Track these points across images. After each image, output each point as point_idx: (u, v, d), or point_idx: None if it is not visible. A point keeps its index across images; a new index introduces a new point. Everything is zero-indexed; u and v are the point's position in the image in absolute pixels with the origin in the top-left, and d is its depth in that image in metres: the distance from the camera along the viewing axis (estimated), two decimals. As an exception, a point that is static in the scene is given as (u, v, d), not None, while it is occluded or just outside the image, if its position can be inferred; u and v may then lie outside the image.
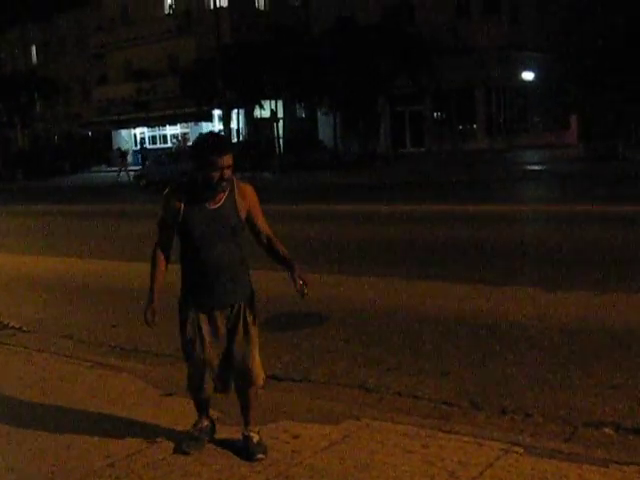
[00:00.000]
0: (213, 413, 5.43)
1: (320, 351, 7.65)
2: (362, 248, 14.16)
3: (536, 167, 32.39)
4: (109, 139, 62.41)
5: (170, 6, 57.09)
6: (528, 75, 45.30)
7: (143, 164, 48.12)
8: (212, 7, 43.91)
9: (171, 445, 5.21)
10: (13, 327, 9.43)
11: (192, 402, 5.51)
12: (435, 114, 46.56)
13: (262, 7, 54.92)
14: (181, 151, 42.06)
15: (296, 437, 5.21)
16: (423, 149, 45.11)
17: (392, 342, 7.79)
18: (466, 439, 5.00)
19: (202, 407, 5.25)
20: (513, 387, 6.28)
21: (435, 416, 5.68)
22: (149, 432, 5.48)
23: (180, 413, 5.82)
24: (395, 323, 8.52)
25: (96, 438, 5.45)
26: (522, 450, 4.79)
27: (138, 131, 60.41)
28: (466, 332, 7.95)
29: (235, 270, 4.99)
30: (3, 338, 8.82)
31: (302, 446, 5.06)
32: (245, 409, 5.11)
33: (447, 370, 6.80)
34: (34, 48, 71.36)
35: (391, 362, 7.12)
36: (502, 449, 4.81)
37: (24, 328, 9.42)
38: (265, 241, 5.24)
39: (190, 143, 48.06)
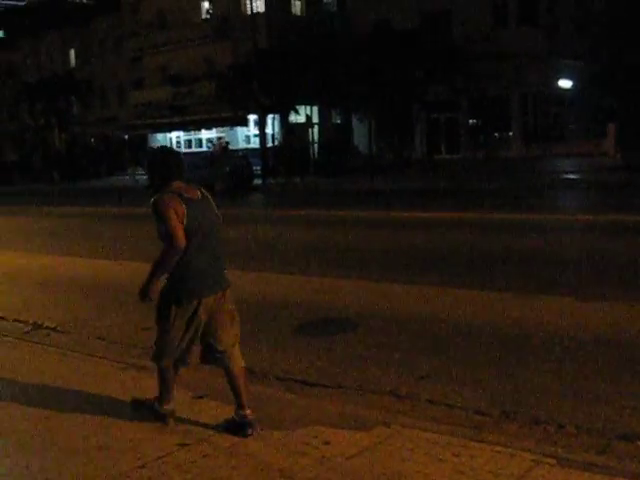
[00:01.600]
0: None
1: (352, 357, 7.64)
2: (394, 255, 14.11)
3: (572, 176, 32.10)
4: (145, 142, 62.86)
5: (207, 11, 57.39)
6: (565, 83, 44.96)
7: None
8: (249, 12, 44.13)
9: (202, 448, 5.23)
10: (48, 327, 9.53)
11: (223, 405, 5.55)
12: (470, 121, 46.35)
13: (298, 12, 55.02)
14: (217, 155, 42.19)
15: (327, 443, 5.20)
16: (458, 156, 44.91)
17: (424, 349, 7.76)
18: (498, 449, 4.97)
19: (170, 386, 5.75)
20: (546, 398, 6.21)
21: (467, 425, 5.64)
22: (180, 434, 5.51)
23: (211, 416, 5.85)
24: (427, 330, 8.49)
25: (128, 439, 5.49)
26: (554, 462, 4.75)
27: (174, 135, 60.76)
28: (499, 341, 7.90)
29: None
30: (38, 338, 8.92)
31: (333, 452, 5.05)
32: (241, 391, 5.63)
33: (479, 379, 6.75)
34: (72, 51, 72.11)
35: (423, 369, 7.09)
36: (534, 460, 4.77)
37: (59, 328, 9.51)
38: None
39: (229, 147, 48.32)
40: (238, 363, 5.70)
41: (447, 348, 7.76)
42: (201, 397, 6.31)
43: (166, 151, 5.99)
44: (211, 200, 5.68)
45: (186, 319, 5.43)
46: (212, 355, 5.63)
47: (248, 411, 5.55)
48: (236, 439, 5.36)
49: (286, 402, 6.19)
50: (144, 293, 5.47)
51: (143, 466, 4.99)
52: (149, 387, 6.65)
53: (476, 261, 12.92)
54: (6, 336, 8.97)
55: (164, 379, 5.73)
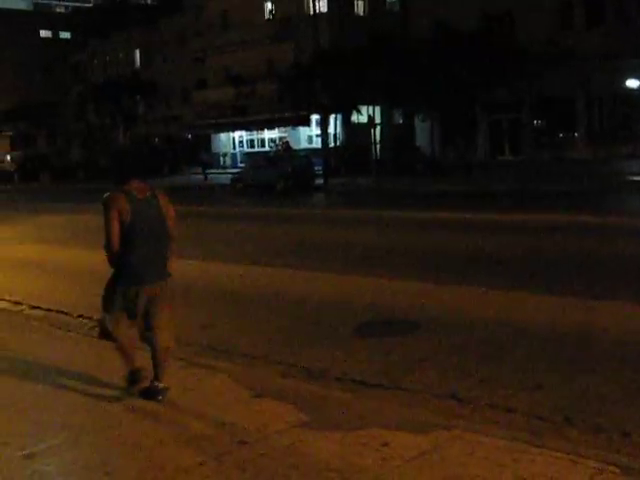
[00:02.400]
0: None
1: (412, 359, 7.59)
2: (457, 257, 14.00)
3: (638, 178, 31.44)
4: (208, 142, 63.47)
5: (270, 12, 57.73)
6: (633, 83, 44.07)
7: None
8: (311, 13, 44.22)
9: (261, 447, 5.25)
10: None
11: (281, 405, 5.57)
12: (535, 122, 45.73)
13: (361, 12, 54.98)
14: (279, 155, 42.35)
15: (385, 445, 5.18)
16: (522, 157, 44.34)
17: (486, 353, 7.68)
18: (559, 455, 4.88)
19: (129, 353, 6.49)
20: (609, 404, 6.10)
21: (527, 430, 5.55)
22: (239, 433, 5.53)
23: (270, 415, 5.87)
24: (489, 334, 8.39)
25: (187, 436, 5.54)
26: (618, 470, 4.64)
27: (237, 135, 61.25)
28: (561, 346, 7.78)
29: None
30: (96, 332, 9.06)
31: (391, 454, 5.02)
32: (159, 366, 6.38)
33: (541, 383, 6.65)
34: (138, 52, 73.19)
35: (484, 373, 7.01)
36: (596, 468, 4.67)
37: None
38: None
39: (291, 146, 48.44)
40: (163, 343, 6.36)
41: (509, 352, 7.66)
42: (259, 396, 6.33)
43: (122, 153, 6.84)
44: (160, 199, 6.34)
45: (127, 301, 6.21)
46: (143, 333, 6.38)
47: (161, 384, 6.36)
48: (294, 439, 5.36)
49: (344, 403, 6.18)
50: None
51: (202, 463, 5.03)
52: (208, 384, 6.73)
53: (538, 265, 12.76)
54: (70, 332, 9.14)
55: (121, 350, 6.51)
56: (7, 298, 11.89)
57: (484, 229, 17.99)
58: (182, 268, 14.03)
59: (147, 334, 6.36)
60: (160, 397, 6.34)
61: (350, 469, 4.81)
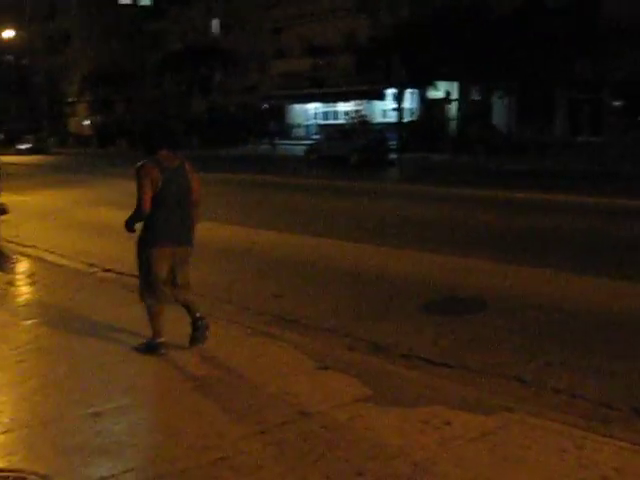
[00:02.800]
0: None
1: (478, 339, 7.54)
2: (527, 237, 13.81)
3: None
4: (283, 112, 63.59)
5: (349, -17, 57.32)
6: None
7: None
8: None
9: (321, 419, 5.28)
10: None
11: (345, 378, 5.61)
12: (616, 103, 44.54)
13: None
14: (354, 128, 42.21)
15: (447, 424, 5.16)
16: (602, 138, 43.30)
17: (553, 335, 7.58)
18: (624, 445, 4.79)
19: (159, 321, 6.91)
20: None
21: (592, 417, 5.47)
22: (302, 403, 5.58)
23: (333, 387, 5.90)
24: (558, 316, 8.27)
25: (249, 404, 5.61)
26: (686, 464, 4.55)
27: (312, 106, 61.21)
28: (635, 333, 7.61)
29: None
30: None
31: (452, 433, 5.01)
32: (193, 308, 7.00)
33: (610, 371, 6.54)
34: (216, 21, 73.40)
35: (552, 357, 6.93)
36: (663, 461, 4.59)
37: (194, 292, 9.77)
38: None
39: (367, 120, 48.22)
40: (188, 294, 7.01)
41: (577, 336, 7.55)
42: (325, 368, 6.36)
43: (152, 125, 7.38)
44: (187, 169, 6.80)
45: (159, 263, 6.68)
46: (174, 292, 6.88)
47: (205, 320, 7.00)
48: (357, 412, 5.38)
49: (408, 379, 6.18)
50: (128, 226, 6.76)
51: (263, 431, 5.08)
52: (274, 353, 6.80)
53: (613, 249, 12.49)
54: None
55: (152, 315, 6.87)
56: (82, 260, 12.18)
57: (559, 210, 17.70)
58: (257, 238, 14.30)
59: (177, 292, 6.88)
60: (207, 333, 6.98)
61: (410, 446, 4.82)
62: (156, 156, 6.61)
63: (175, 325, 7.16)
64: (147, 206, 6.51)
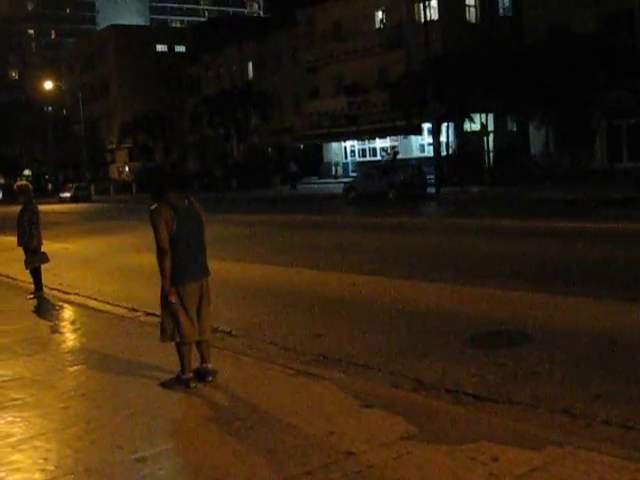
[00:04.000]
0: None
1: (524, 372, 7.41)
2: (571, 267, 13.61)
3: None
4: (320, 152, 63.92)
5: (381, 20, 57.74)
6: None
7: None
8: (422, 20, 43.96)
9: (368, 458, 5.20)
10: (223, 331, 9.83)
11: (390, 416, 5.52)
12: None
13: (472, 19, 54.36)
14: (391, 164, 42.28)
15: (495, 460, 5.05)
16: (643, 164, 42.77)
17: (602, 367, 7.42)
18: (679, 478, 4.65)
19: (187, 358, 7.19)
20: None
21: (646, 449, 5.32)
22: (347, 443, 5.50)
23: (378, 426, 5.82)
24: (607, 347, 8.10)
25: (294, 445, 5.55)
26: None
27: (348, 144, 61.50)
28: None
29: None
30: (213, 341, 9.20)
31: (501, 470, 4.90)
32: (207, 349, 7.33)
33: (661, 400, 6.38)
34: (250, 64, 74.40)
35: (601, 388, 6.77)
36: None
37: (233, 332, 9.80)
38: None
39: (398, 156, 48.31)
40: (208, 332, 7.31)
41: (627, 366, 7.38)
42: (369, 406, 6.29)
43: (157, 170, 8.08)
44: (196, 206, 7.20)
45: (189, 300, 7.00)
46: (199, 327, 7.13)
47: (210, 365, 7.28)
48: (403, 451, 5.30)
49: (455, 415, 6.08)
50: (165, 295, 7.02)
51: (309, 472, 5.02)
52: (317, 393, 6.74)
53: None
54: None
55: (181, 353, 7.13)
56: (124, 305, 12.25)
57: (603, 239, 17.46)
58: (296, 276, 14.30)
59: (202, 327, 7.15)
60: (211, 378, 7.20)
61: (458, 484, 4.72)
62: (166, 198, 6.95)
63: (218, 367, 7.14)
64: (165, 242, 6.86)
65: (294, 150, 66.70)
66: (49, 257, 13.65)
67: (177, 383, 7.14)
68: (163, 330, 7.13)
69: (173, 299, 6.94)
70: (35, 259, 13.32)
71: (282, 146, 67.73)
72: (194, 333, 7.10)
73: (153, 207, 6.96)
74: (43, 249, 13.54)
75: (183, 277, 6.98)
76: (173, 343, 7.19)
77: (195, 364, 7.29)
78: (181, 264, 6.94)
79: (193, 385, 7.09)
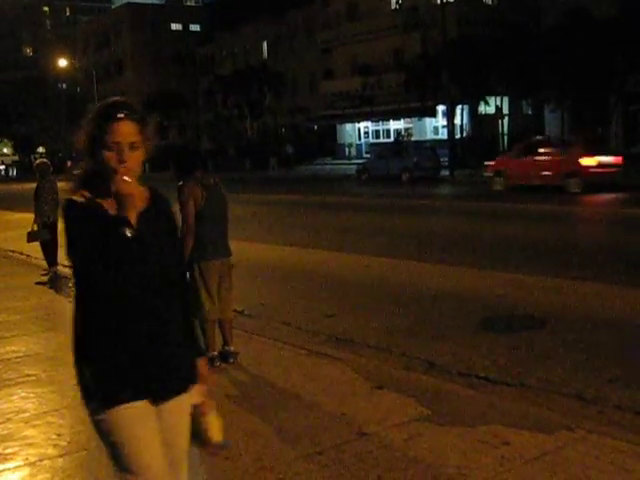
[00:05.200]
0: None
1: (537, 356, 7.40)
2: (588, 252, 13.56)
3: None
4: (334, 132, 63.78)
5: (397, 1, 57.42)
6: None
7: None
8: (439, 1, 43.67)
9: (380, 439, 5.22)
10: (236, 310, 9.82)
11: (401, 397, 5.54)
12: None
13: (489, 1, 53.98)
14: (404, 146, 42.18)
15: (506, 443, 5.06)
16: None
17: (615, 352, 7.40)
18: (692, 464, 4.64)
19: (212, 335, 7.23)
20: None
21: (658, 435, 5.31)
22: (358, 424, 5.52)
23: (389, 407, 5.84)
24: (620, 333, 8.09)
25: (307, 424, 5.57)
26: None
27: (362, 125, 61.35)
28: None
29: None
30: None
31: (512, 453, 4.91)
32: (229, 332, 7.39)
33: (674, 386, 6.36)
34: (265, 44, 74.14)
35: (612, 373, 6.75)
36: None
37: (246, 312, 9.81)
38: None
39: (413, 138, 48.16)
40: (229, 312, 7.38)
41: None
42: (381, 388, 6.30)
43: (186, 149, 8.27)
44: (221, 186, 7.26)
45: (212, 276, 7.06)
46: (220, 306, 7.20)
47: (232, 347, 7.32)
48: (414, 432, 5.32)
49: (466, 398, 6.08)
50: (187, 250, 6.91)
51: (320, 452, 5.04)
52: (329, 374, 6.75)
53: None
54: (194, 319, 9.30)
55: (204, 330, 7.02)
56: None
57: (623, 224, 17.39)
58: (308, 257, 14.30)
59: (224, 306, 7.24)
60: (232, 360, 7.25)
61: (469, 466, 4.73)
62: (195, 176, 6.98)
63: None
64: (191, 221, 6.88)
65: (308, 130, 66.54)
66: (48, 235, 13.52)
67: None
68: None
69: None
70: (35, 234, 13.35)
71: (296, 126, 67.56)
72: (216, 311, 7.16)
73: (182, 183, 6.98)
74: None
75: (206, 254, 7.03)
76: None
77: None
78: (205, 241, 6.99)
79: (217, 363, 7.11)
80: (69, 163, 79.61)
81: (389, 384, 6.36)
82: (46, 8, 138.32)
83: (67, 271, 13.75)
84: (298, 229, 19.43)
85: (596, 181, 24.96)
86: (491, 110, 44.62)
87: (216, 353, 7.20)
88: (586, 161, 25.49)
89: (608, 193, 24.51)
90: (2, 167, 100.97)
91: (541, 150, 27.90)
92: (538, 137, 33.57)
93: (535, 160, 27.33)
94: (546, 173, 26.55)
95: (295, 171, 51.99)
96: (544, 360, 7.26)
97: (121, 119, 2.94)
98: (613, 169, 26.27)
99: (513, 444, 5.05)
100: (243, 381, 6.72)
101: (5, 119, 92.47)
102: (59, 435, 5.60)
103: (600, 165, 25.72)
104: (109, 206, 2.97)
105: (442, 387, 6.38)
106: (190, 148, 8.05)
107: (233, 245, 7.35)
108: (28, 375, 7.16)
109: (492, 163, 30.30)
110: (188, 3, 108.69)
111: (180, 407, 3.13)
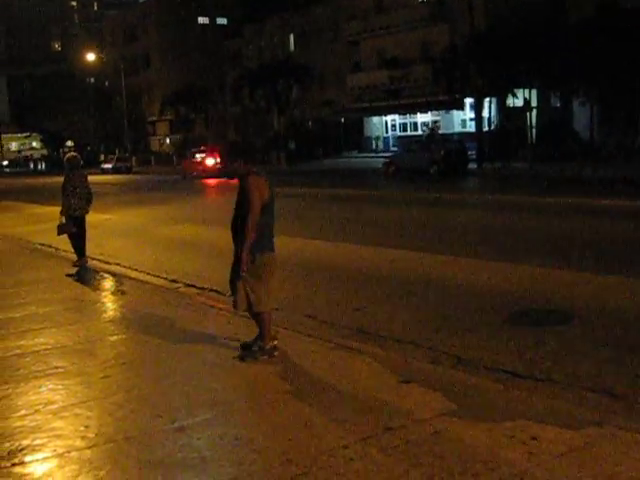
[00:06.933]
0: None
1: (565, 351, 7.33)
2: (617, 246, 13.41)
3: None
4: (360, 125, 63.60)
5: (424, -7, 57.05)
6: None
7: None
8: (467, -7, 43.28)
9: (406, 433, 5.19)
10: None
11: (428, 392, 5.53)
12: None
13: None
14: (432, 139, 41.96)
15: (534, 438, 5.02)
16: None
17: (644, 347, 7.32)
18: None
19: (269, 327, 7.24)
20: None
21: (689, 431, 5.24)
22: (385, 418, 5.50)
23: (417, 401, 5.81)
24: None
25: (332, 418, 5.56)
26: None
27: (389, 118, 61.09)
28: None
29: None
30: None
31: (540, 449, 4.87)
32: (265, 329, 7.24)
33: None
34: (292, 37, 73.98)
35: (642, 368, 6.68)
36: None
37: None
38: None
39: (440, 131, 47.85)
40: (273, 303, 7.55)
41: (670, 347, 7.28)
42: (408, 382, 6.27)
43: (246, 142, 7.97)
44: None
45: (276, 267, 7.19)
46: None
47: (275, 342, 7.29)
48: (440, 427, 5.28)
49: (494, 393, 6.05)
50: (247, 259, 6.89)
51: (346, 446, 5.03)
52: (355, 368, 6.73)
53: None
54: (222, 310, 9.35)
55: (267, 321, 7.15)
56: (164, 276, 12.35)
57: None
58: (334, 250, 14.28)
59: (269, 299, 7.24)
60: (276, 352, 7.22)
61: (496, 461, 4.70)
62: (255, 170, 7.06)
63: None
64: (259, 213, 6.87)
65: (335, 124, 66.36)
66: (76, 227, 13.58)
67: (259, 354, 7.16)
68: (242, 300, 7.04)
69: (245, 270, 6.91)
70: (64, 227, 13.45)
71: (323, 119, 67.40)
72: (271, 303, 7.26)
73: (253, 175, 6.99)
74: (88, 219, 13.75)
75: (267, 247, 7.08)
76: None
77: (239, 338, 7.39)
78: (265, 234, 7.03)
79: (276, 353, 7.16)
80: (102, 157, 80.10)
81: (416, 378, 6.33)
82: (74, 2, 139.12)
83: (96, 263, 13.87)
84: (325, 223, 19.38)
85: None
86: (519, 103, 44.18)
87: (273, 343, 7.23)
88: None
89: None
90: (32, 162, 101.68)
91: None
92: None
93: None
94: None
95: (299, 166, 51.73)
96: (572, 355, 7.19)
97: None
98: None
99: (541, 439, 5.01)
100: (269, 375, 6.71)
101: (34, 113, 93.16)
102: (87, 427, 5.64)
103: None
104: None
105: (469, 381, 6.34)
106: (246, 144, 8.09)
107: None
108: (56, 367, 7.21)
109: None
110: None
111: None
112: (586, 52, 36.64)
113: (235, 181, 7.21)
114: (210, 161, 47.57)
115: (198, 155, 50.65)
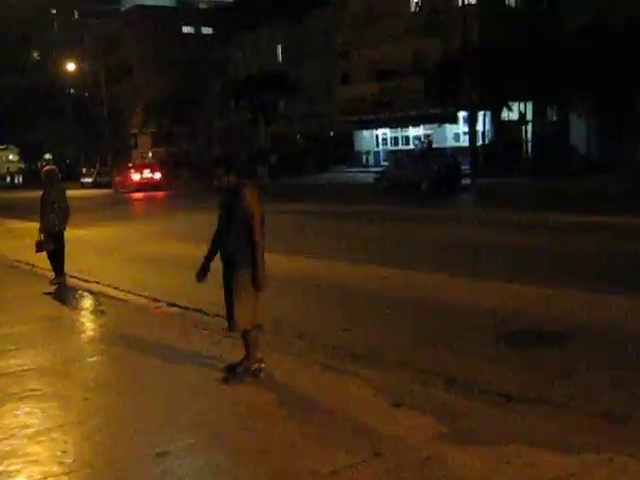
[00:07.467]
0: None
1: (561, 372, 7.15)
2: (614, 264, 13.17)
3: None
4: (351, 139, 63.23)
5: (417, 4, 56.90)
6: None
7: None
8: (460, 4, 43.21)
9: (396, 458, 5.04)
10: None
11: (420, 415, 5.58)
12: None
13: (512, 4, 53.34)
14: (424, 154, 41.77)
15: (529, 464, 4.87)
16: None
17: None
18: None
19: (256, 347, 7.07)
20: None
21: (689, 457, 5.05)
22: (374, 442, 5.34)
23: (408, 425, 5.66)
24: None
25: (321, 442, 5.41)
26: None
27: (380, 132, 60.82)
28: None
29: None
30: (238, 334, 9.02)
31: (535, 474, 4.75)
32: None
33: None
34: (279, 47, 73.55)
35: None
36: None
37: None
38: None
39: (433, 145, 47.71)
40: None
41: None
42: (398, 405, 6.10)
43: (244, 153, 7.72)
44: None
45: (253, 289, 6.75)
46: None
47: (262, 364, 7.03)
48: (432, 452, 5.11)
49: (488, 416, 5.88)
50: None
51: (335, 472, 4.89)
52: (344, 390, 6.58)
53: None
54: (205, 330, 9.16)
55: (253, 341, 6.94)
56: (146, 294, 12.09)
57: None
58: (323, 268, 14.07)
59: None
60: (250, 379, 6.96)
61: (492, 490, 4.52)
62: (250, 182, 6.90)
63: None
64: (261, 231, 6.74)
65: (325, 137, 66.10)
66: (54, 244, 13.29)
67: (245, 375, 6.93)
68: (239, 318, 6.80)
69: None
70: (43, 244, 13.14)
71: (312, 133, 67.06)
72: (257, 319, 6.95)
73: (250, 188, 6.77)
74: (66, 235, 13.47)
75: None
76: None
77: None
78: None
79: (262, 375, 6.94)
80: (84, 170, 79.17)
81: (406, 401, 6.16)
82: (54, 11, 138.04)
83: (74, 281, 13.60)
84: (314, 239, 19.18)
85: None
86: (514, 116, 44.10)
87: (263, 365, 7.00)
88: None
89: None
90: (8, 175, 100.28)
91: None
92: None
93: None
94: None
95: (281, 180, 51.48)
96: (568, 376, 7.02)
97: None
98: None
99: (536, 464, 4.88)
100: (254, 397, 6.56)
101: (12, 125, 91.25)
102: (64, 452, 5.46)
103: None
104: None
105: (462, 404, 6.19)
106: (244, 153, 7.87)
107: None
108: (33, 390, 7.01)
109: None
110: (200, 6, 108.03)
111: None
112: (581, 64, 36.56)
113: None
114: (136, 176, 53.91)
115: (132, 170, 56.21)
